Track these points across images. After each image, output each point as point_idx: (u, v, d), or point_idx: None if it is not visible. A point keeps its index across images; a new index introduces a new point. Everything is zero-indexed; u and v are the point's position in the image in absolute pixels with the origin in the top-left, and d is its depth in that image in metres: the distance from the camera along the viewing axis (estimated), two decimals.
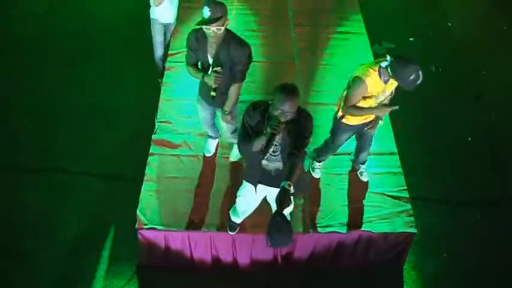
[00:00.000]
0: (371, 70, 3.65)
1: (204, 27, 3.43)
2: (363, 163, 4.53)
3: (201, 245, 4.21)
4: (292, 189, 2.96)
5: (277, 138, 3.15)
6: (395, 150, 4.75)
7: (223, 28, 3.46)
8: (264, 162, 3.29)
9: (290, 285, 4.38)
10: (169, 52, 5.55)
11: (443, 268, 4.50)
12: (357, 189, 4.48)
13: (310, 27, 6.07)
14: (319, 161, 4.53)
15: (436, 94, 5.91)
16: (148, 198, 4.27)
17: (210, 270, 4.39)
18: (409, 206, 4.33)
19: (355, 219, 4.24)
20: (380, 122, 4.12)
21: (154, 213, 4.18)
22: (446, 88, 6.09)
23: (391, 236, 4.22)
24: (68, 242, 4.50)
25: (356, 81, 3.65)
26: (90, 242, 4.54)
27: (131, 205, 4.24)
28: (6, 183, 4.90)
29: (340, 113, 3.98)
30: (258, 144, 3.14)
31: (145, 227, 4.09)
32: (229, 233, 4.11)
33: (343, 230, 4.18)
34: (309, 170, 4.58)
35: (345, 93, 3.88)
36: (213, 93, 3.71)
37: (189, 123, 4.84)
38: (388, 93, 3.83)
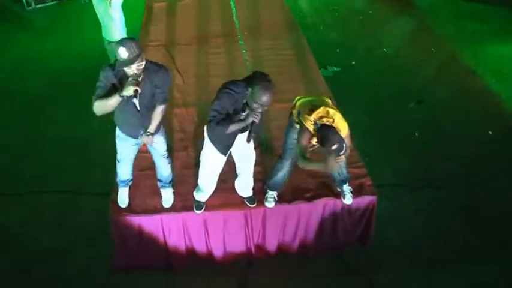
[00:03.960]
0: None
1: (125, 69, 3.36)
2: (344, 181, 4.43)
3: (175, 229, 4.35)
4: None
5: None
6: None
7: (143, 63, 3.41)
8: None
9: (265, 277, 4.52)
10: None
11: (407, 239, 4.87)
12: None
13: (260, 50, 6.72)
14: (273, 190, 4.42)
15: (379, 105, 6.56)
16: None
17: (185, 262, 4.51)
18: (367, 177, 4.63)
19: (318, 191, 4.50)
20: None
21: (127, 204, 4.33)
22: (391, 97, 6.74)
23: (354, 202, 4.45)
24: (42, 252, 4.65)
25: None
26: (62, 252, 4.66)
27: (100, 216, 4.51)
28: None
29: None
30: (234, 128, 3.59)
31: (120, 214, 4.22)
32: (196, 212, 4.26)
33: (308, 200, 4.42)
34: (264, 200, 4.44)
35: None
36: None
37: None
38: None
